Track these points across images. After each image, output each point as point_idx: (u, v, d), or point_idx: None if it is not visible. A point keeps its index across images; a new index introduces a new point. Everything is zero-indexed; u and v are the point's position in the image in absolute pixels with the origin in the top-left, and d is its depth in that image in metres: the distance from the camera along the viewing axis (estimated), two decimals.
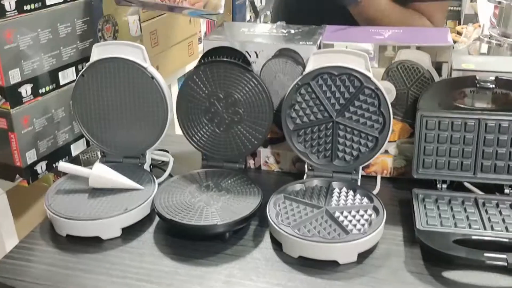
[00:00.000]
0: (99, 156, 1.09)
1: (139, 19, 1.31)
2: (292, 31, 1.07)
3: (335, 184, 0.97)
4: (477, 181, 0.96)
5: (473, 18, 2.96)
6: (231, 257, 0.86)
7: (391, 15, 1.20)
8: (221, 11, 1.00)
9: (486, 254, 0.78)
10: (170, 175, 1.06)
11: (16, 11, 0.96)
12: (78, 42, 1.11)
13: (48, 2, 1.03)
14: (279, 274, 0.82)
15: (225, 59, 1.00)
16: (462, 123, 0.95)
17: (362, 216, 0.88)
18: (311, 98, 0.97)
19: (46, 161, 1.07)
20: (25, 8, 0.98)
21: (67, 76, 1.10)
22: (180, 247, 0.88)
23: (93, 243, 0.89)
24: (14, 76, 0.97)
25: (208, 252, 0.87)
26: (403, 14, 1.23)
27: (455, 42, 2.52)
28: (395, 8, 1.22)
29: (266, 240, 0.90)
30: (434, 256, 0.81)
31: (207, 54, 1.02)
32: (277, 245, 0.87)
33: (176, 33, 1.70)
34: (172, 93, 1.66)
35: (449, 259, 0.80)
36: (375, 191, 0.99)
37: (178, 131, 1.10)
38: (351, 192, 0.95)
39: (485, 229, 0.85)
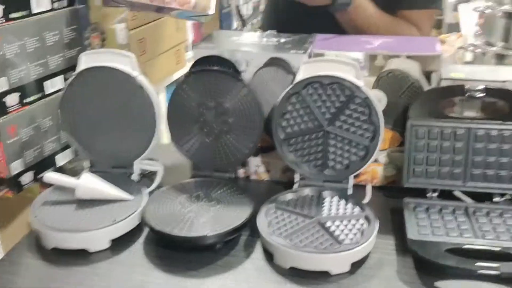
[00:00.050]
0: (87, 166, 1.07)
1: (127, 27, 1.30)
2: (283, 40, 1.07)
3: (326, 193, 0.96)
4: (467, 189, 0.96)
5: (456, 27, 2.99)
6: (222, 268, 0.85)
7: (378, 23, 1.21)
8: (211, 12, 0.98)
9: (478, 263, 0.78)
10: (160, 185, 1.05)
11: (3, 18, 0.94)
12: (65, 50, 1.10)
13: (34, 10, 1.01)
14: (271, 285, 0.81)
15: (215, 68, 0.99)
16: (452, 132, 0.95)
17: (354, 225, 0.88)
18: (302, 107, 0.97)
19: (33, 171, 1.05)
20: (11, 16, 0.96)
21: (55, 84, 1.08)
22: (170, 258, 0.87)
23: (81, 255, 0.87)
24: (2, 85, 0.96)
25: (199, 263, 0.85)
26: (390, 22, 1.24)
27: None
28: (383, 16, 1.23)
29: (258, 251, 0.89)
30: (427, 265, 0.81)
31: (197, 63, 1.01)
32: (268, 255, 0.87)
33: (164, 41, 1.69)
34: (159, 101, 1.65)
35: (441, 268, 0.80)
36: (365, 200, 0.98)
37: (168, 140, 1.09)
38: (342, 202, 0.94)
39: (476, 238, 0.85)
